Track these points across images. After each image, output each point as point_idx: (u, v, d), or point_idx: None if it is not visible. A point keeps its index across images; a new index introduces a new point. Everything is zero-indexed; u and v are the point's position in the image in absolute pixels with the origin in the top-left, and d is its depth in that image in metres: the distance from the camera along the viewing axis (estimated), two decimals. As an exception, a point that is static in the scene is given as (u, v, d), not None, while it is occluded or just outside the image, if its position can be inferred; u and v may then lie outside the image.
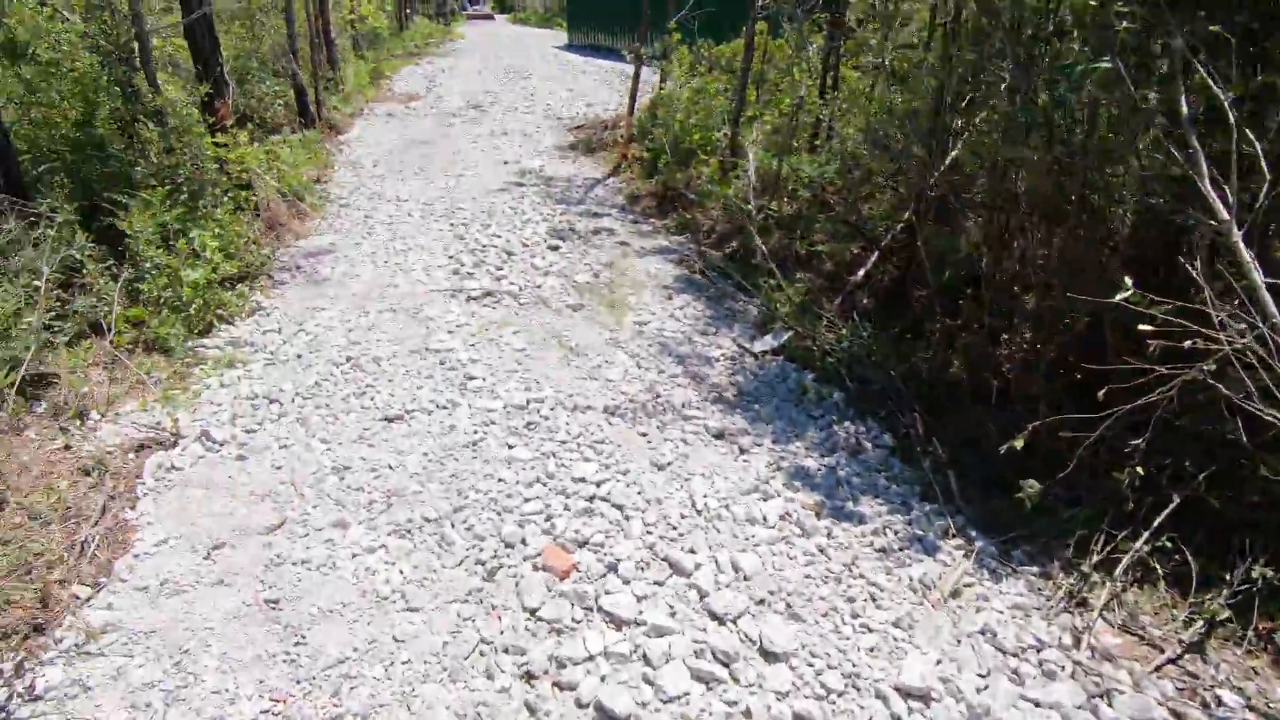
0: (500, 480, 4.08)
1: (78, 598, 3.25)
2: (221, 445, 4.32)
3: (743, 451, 4.48)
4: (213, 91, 6.70)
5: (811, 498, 4.11)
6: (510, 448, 4.35)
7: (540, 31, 34.38)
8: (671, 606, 3.30)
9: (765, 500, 4.02)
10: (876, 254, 6.71)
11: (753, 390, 5.18)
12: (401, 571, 3.51)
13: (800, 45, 9.29)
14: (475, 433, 4.47)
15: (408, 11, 27.49)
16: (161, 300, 5.31)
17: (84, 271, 5.13)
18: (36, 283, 4.85)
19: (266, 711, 2.84)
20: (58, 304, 4.97)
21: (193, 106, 6.45)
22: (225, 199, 6.17)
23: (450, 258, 6.92)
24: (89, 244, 5.19)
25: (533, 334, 5.71)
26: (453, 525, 3.78)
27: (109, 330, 5.05)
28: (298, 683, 2.95)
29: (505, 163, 10.38)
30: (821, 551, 3.69)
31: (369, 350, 5.36)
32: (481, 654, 3.12)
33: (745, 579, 3.47)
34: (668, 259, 7.39)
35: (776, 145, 8.70)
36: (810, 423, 4.86)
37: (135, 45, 5.93)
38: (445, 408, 4.72)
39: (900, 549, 3.80)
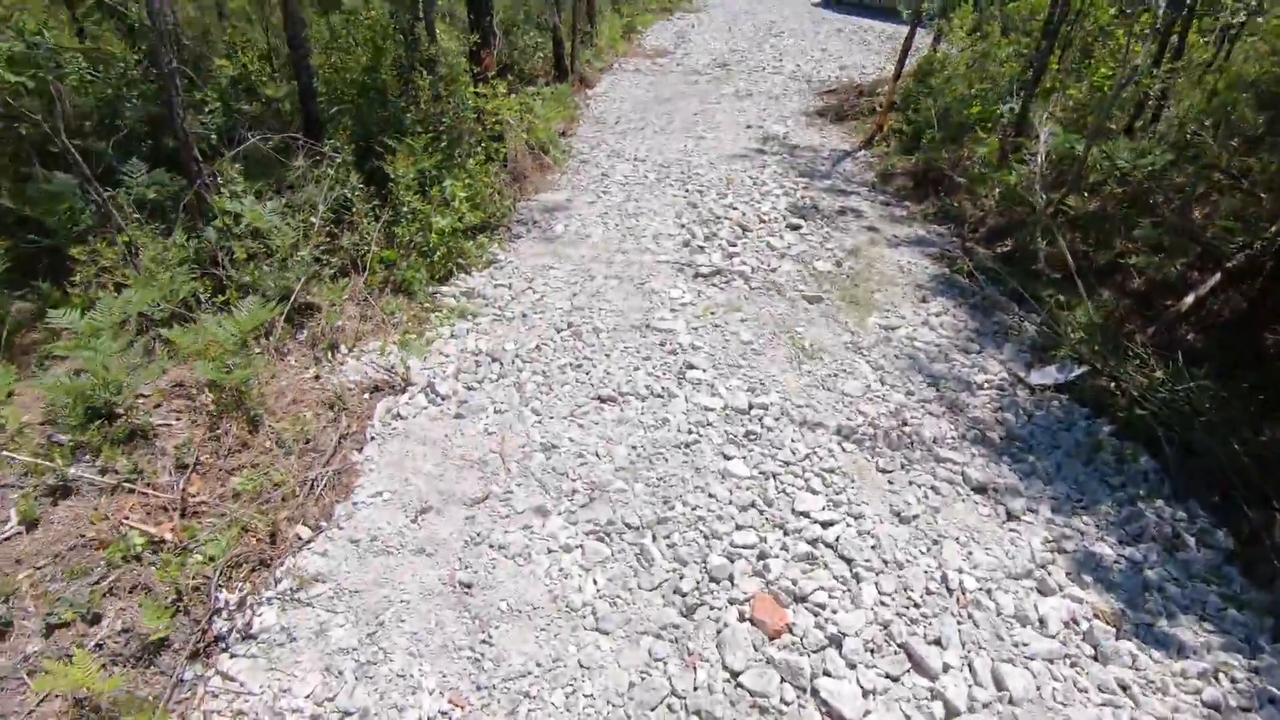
0: (711, 495, 3.57)
1: (300, 538, 3.31)
2: (444, 400, 4.28)
3: (1011, 516, 3.52)
4: (481, 42, 6.77)
5: (1108, 602, 3.08)
6: (727, 458, 3.81)
7: (795, -13, 32.48)
8: (908, 717, 2.59)
9: (1042, 594, 3.08)
10: (1218, 276, 5.09)
11: (1026, 435, 4.11)
12: (595, 582, 3.15)
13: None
14: (690, 433, 3.99)
15: (666, -34, 27.33)
16: (412, 244, 5.46)
17: (353, 210, 5.40)
18: (313, 219, 5.18)
19: (445, 713, 2.65)
20: (328, 239, 5.29)
21: (462, 56, 6.55)
22: (478, 150, 6.22)
23: (682, 226, 6.46)
24: (360, 185, 5.45)
25: (762, 325, 5.07)
26: (655, 539, 3.34)
27: (364, 269, 5.29)
28: (478, 689, 2.71)
29: (748, 126, 9.66)
30: (1124, 689, 2.72)
31: (590, 319, 5.09)
32: (670, 709, 2.67)
33: (1011, 703, 2.63)
34: (924, 252, 6.29)
35: (1084, 125, 7.03)
36: (1106, 492, 3.73)
37: (418, -8, 6.09)
38: (660, 396, 4.29)
39: (1242, 708, 2.69)
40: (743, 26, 18.40)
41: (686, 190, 7.30)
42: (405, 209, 5.39)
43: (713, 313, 5.16)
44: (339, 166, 5.50)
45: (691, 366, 4.53)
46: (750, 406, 4.19)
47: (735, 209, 6.77)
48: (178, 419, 3.85)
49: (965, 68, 8.80)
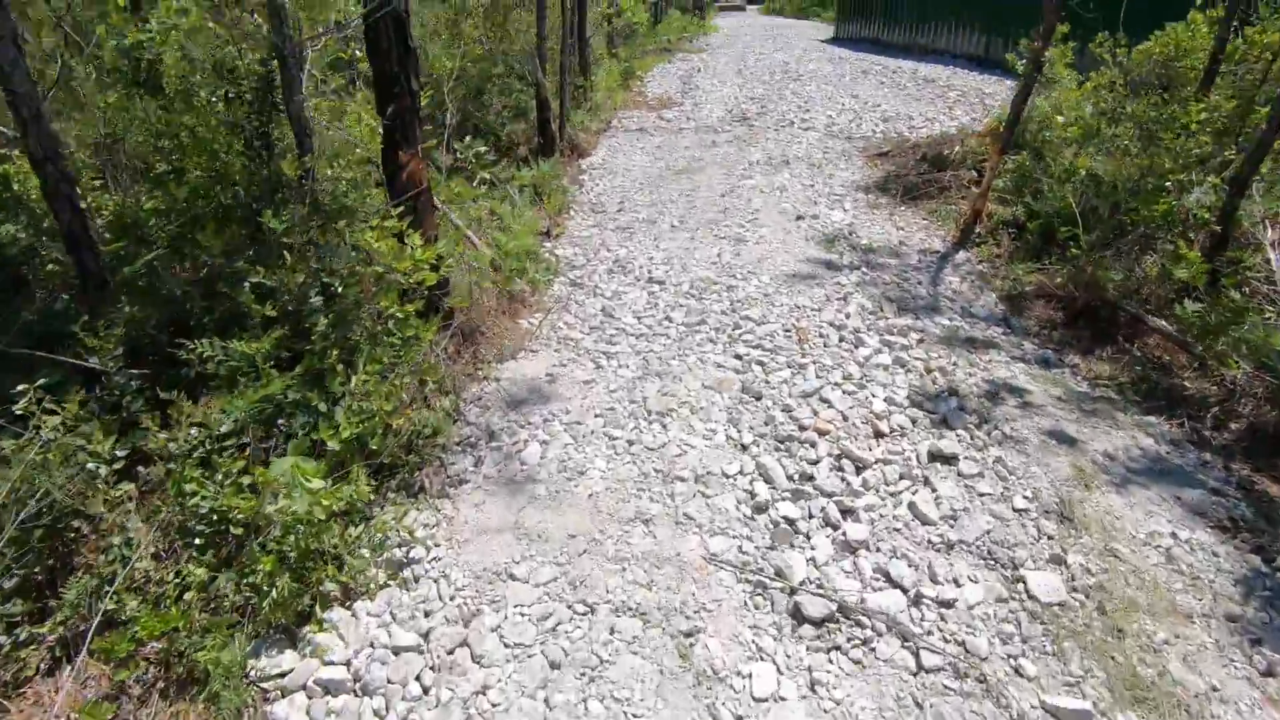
0: None
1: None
2: None
3: None
4: (397, 131, 3.93)
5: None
6: None
7: (796, 23, 29.96)
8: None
9: None
10: None
11: None
12: None
13: None
14: None
15: (662, 4, 24.75)
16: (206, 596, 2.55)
17: (96, 524, 2.55)
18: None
19: None
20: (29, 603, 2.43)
21: (362, 164, 3.75)
22: (388, 337, 3.34)
23: (742, 449, 3.53)
24: (115, 454, 2.60)
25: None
26: None
27: (75, 667, 2.41)
28: None
29: (798, 218, 6.77)
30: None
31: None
32: None
33: None
34: (1182, 502, 3.35)
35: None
36: None
37: (277, 70, 3.25)
38: None
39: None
40: (754, 69, 15.68)
41: (737, 355, 4.38)
42: (194, 519, 2.51)
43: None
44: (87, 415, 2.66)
45: None
46: None
47: (826, 403, 3.90)
48: None
49: (1113, 135, 5.99)
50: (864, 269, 5.64)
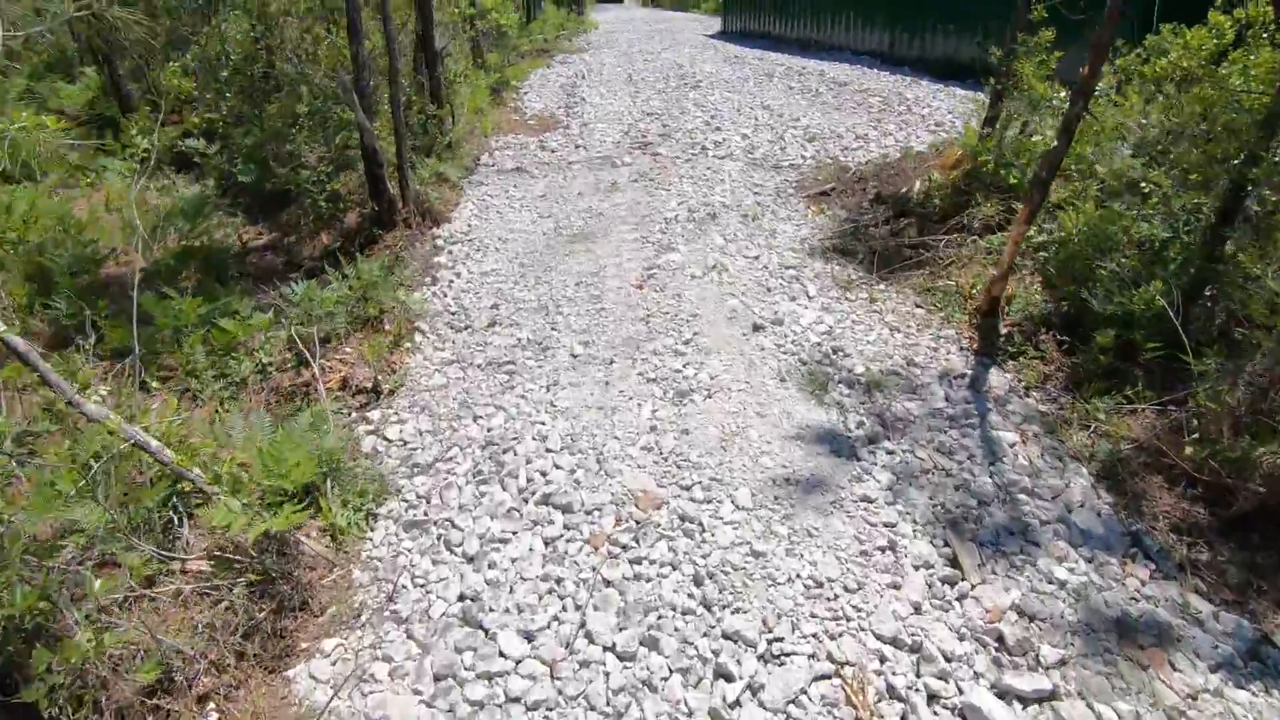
0: None
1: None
2: None
3: None
4: None
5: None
6: None
7: (675, 15, 27.72)
8: None
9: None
10: None
11: None
12: None
13: None
14: None
15: (536, -2, 21.69)
16: None
17: None
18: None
19: None
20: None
21: None
22: None
23: None
24: None
25: None
26: None
27: None
28: None
29: (756, 327, 4.34)
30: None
31: None
32: None
33: None
34: None
35: None
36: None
37: None
38: None
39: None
40: (645, 73, 13.25)
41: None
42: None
43: None
44: None
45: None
46: None
47: None
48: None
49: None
50: (885, 440, 3.42)
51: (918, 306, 4.79)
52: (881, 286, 5.08)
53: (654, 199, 6.79)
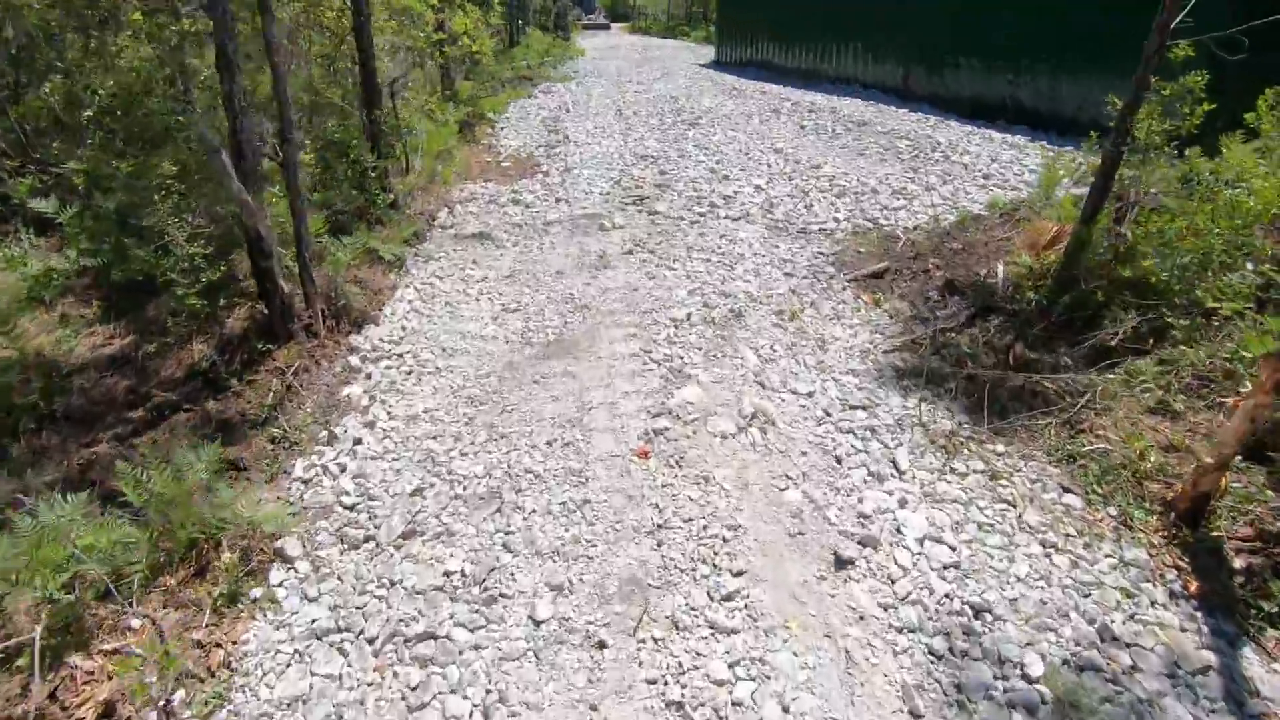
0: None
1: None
2: None
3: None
4: None
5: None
6: None
7: (665, 42, 26.22)
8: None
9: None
10: None
11: None
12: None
13: None
14: None
15: (520, 22, 20.02)
16: None
17: None
18: None
19: None
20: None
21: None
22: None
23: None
24: None
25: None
26: None
27: None
28: None
29: (839, 560, 2.52)
30: None
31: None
32: None
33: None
34: None
35: None
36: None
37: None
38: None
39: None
40: (637, 106, 11.57)
41: None
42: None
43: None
44: None
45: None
46: None
47: None
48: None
49: None
50: None
51: (1065, 490, 3.05)
52: (999, 448, 3.33)
53: (656, 282, 5.03)
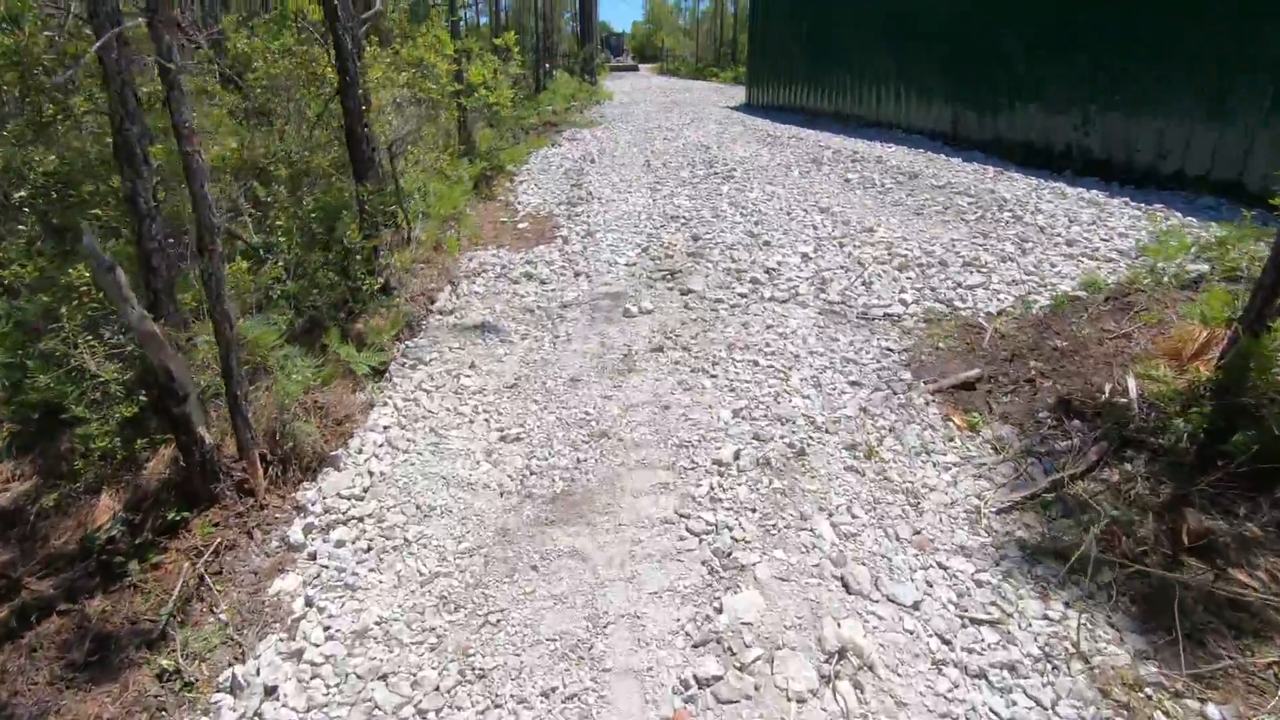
0: None
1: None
2: None
3: None
4: None
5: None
6: None
7: (696, 84, 25.66)
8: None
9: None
10: None
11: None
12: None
13: None
14: None
15: (546, 66, 19.57)
16: None
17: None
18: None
19: None
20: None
21: None
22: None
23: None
24: None
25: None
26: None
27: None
28: None
29: None
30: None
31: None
32: None
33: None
34: None
35: None
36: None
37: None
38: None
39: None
40: (666, 156, 10.70)
41: None
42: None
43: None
44: None
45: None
46: None
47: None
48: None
49: None
50: None
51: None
52: (1211, 711, 2.17)
53: (692, 397, 3.98)
